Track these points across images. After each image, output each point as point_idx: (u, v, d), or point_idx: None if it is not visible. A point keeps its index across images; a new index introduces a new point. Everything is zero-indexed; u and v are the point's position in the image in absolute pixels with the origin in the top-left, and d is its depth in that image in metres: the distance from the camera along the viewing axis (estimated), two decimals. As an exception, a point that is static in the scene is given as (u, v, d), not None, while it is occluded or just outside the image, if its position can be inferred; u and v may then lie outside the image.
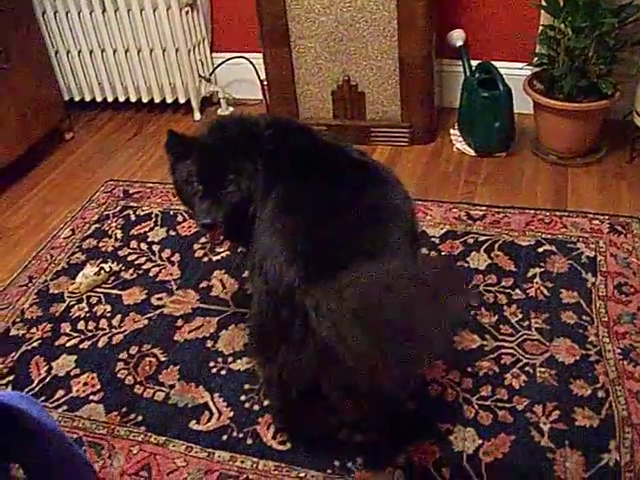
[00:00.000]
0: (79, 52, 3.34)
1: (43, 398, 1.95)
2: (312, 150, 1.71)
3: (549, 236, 2.33)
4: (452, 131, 2.97)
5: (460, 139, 2.90)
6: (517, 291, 2.12)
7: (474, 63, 2.85)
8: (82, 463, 1.08)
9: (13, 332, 2.20)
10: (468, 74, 2.83)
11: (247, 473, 1.69)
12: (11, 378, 2.03)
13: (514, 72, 2.84)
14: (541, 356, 1.90)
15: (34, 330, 2.20)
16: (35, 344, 2.15)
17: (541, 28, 2.67)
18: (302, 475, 1.67)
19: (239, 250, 1.87)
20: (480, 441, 1.70)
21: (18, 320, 2.25)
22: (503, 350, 1.93)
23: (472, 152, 2.84)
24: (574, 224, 2.37)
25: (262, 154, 1.66)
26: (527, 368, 1.87)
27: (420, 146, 2.95)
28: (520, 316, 2.03)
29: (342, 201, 1.54)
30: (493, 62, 2.79)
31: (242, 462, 1.72)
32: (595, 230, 2.33)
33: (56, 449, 1.00)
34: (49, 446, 0.99)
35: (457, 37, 2.95)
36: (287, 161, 1.66)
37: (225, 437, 1.79)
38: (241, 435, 1.78)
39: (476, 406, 1.78)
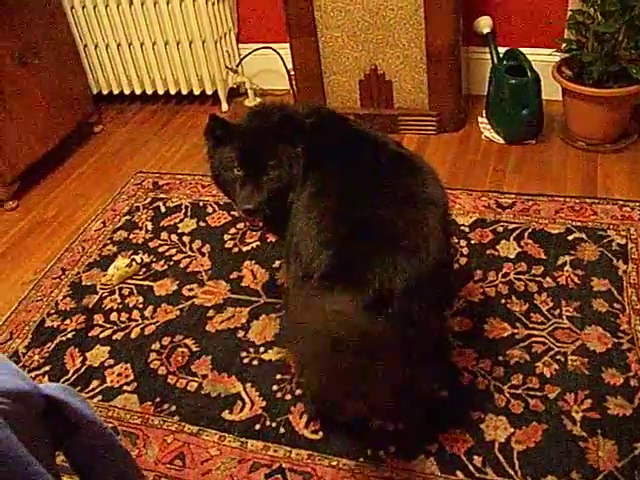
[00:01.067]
0: (107, 46, 3.37)
1: (78, 388, 1.99)
2: (350, 139, 1.73)
3: (579, 223, 2.31)
4: (480, 119, 2.95)
5: (488, 127, 2.89)
6: (547, 279, 2.11)
7: (502, 50, 2.83)
8: (122, 453, 1.11)
9: (48, 323, 2.24)
10: (496, 61, 2.80)
11: (280, 462, 1.71)
12: (47, 368, 2.07)
13: (542, 58, 2.81)
14: (572, 344, 1.89)
15: (68, 321, 2.24)
16: (69, 335, 2.19)
17: (569, 13, 2.64)
18: (334, 464, 1.69)
19: (270, 240, 1.88)
20: (512, 430, 1.70)
21: (52, 312, 2.29)
22: (534, 338, 1.92)
23: (500, 140, 2.82)
24: (604, 211, 2.35)
25: (303, 141, 1.67)
26: (558, 356, 1.86)
27: (448, 134, 2.94)
28: (551, 304, 2.02)
29: (378, 189, 1.56)
30: (521, 49, 2.76)
31: (275, 451, 1.74)
32: (626, 217, 2.31)
33: (97, 439, 1.03)
34: (90, 436, 1.01)
35: (484, 24, 2.93)
36: (326, 149, 1.68)
37: (258, 426, 1.81)
38: (274, 424, 1.80)
39: (507, 394, 1.78)
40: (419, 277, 1.42)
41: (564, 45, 2.65)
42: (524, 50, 2.76)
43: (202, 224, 2.59)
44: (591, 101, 2.57)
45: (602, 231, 2.26)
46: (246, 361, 1.99)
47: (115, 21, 3.27)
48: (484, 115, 2.93)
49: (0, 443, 0.81)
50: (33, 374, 2.06)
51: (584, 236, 2.25)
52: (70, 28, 3.21)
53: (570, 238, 2.25)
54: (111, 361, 2.07)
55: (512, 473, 1.61)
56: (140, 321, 2.20)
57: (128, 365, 2.04)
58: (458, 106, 2.91)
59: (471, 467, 1.63)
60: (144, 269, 2.41)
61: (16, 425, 0.83)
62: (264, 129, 1.70)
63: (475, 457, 1.65)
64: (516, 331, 1.95)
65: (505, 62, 2.77)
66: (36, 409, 0.93)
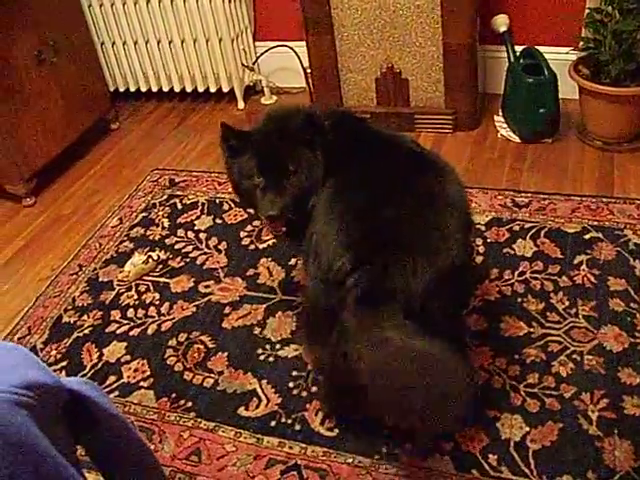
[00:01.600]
0: (124, 43, 3.39)
1: (95, 384, 2.00)
2: (369, 139, 1.73)
3: (595, 223, 2.30)
4: (496, 117, 2.94)
5: (504, 125, 2.88)
6: (564, 278, 2.10)
7: (518, 48, 2.82)
8: (143, 447, 1.12)
9: (65, 319, 2.26)
10: (512, 60, 2.79)
11: (295, 459, 1.72)
12: (64, 364, 2.09)
13: (559, 57, 2.80)
14: (589, 344, 1.88)
15: (85, 317, 2.26)
16: (86, 331, 2.20)
17: (587, 11, 2.62)
18: (350, 461, 1.69)
19: (287, 238, 1.87)
20: (527, 428, 1.70)
21: (70, 307, 2.31)
22: (550, 337, 1.92)
23: (517, 138, 2.81)
24: (621, 210, 2.34)
25: (322, 144, 1.66)
26: (574, 356, 1.86)
27: (464, 133, 2.93)
28: (567, 303, 2.02)
29: (397, 189, 1.55)
30: (538, 47, 2.75)
31: (290, 448, 1.75)
32: (643, 217, 2.30)
33: (118, 433, 1.04)
34: (111, 430, 1.02)
35: (501, 22, 2.91)
36: (345, 150, 1.68)
37: (274, 423, 1.81)
38: (289, 421, 1.81)
39: (523, 393, 1.78)
40: (438, 279, 1.42)
41: (581, 43, 2.64)
42: (541, 48, 2.75)
43: (218, 221, 2.60)
44: (608, 100, 2.56)
45: (619, 230, 2.25)
46: (262, 358, 2.00)
47: (132, 19, 3.28)
48: (500, 114, 2.92)
49: (26, 437, 0.82)
50: (51, 369, 2.06)
51: (600, 235, 2.24)
52: (88, 26, 3.23)
53: (587, 237, 2.24)
54: (128, 357, 2.08)
55: (527, 472, 1.61)
56: (157, 317, 2.21)
57: (145, 361, 2.06)
58: (474, 104, 2.91)
59: (486, 465, 1.63)
60: (160, 266, 2.42)
61: (40, 418, 0.84)
62: (282, 133, 1.67)
63: (490, 455, 1.65)
64: (532, 330, 1.95)
65: (522, 60, 2.76)
66: (59, 403, 0.94)
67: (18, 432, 0.81)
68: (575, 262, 2.15)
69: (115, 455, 1.05)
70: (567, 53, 2.73)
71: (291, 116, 1.72)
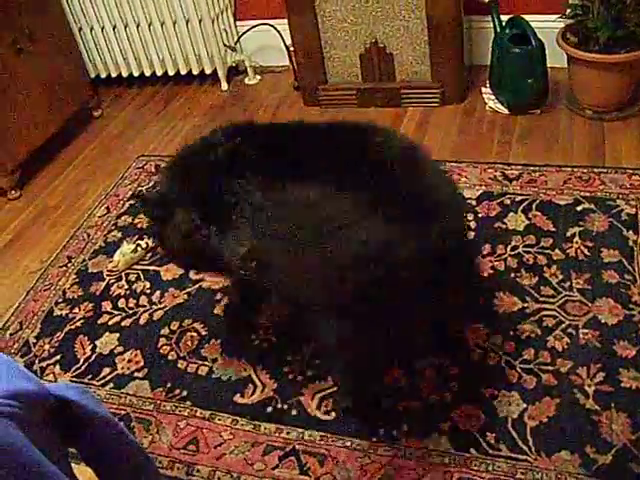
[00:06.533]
0: (102, 28, 3.32)
1: (90, 376, 2.00)
2: (292, 138, 1.70)
3: (587, 194, 2.28)
4: (484, 89, 2.90)
5: (492, 97, 2.85)
6: (557, 251, 2.09)
7: (504, 18, 2.77)
8: (134, 447, 1.11)
9: (56, 312, 2.24)
10: (498, 30, 2.75)
11: (293, 444, 1.71)
12: (58, 357, 2.07)
13: (546, 25, 2.75)
14: (584, 317, 1.87)
15: (76, 310, 2.23)
16: (78, 323, 2.18)
17: (574, -23, 2.58)
18: (348, 444, 1.69)
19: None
20: (524, 405, 1.69)
21: (60, 300, 2.28)
22: (545, 312, 1.91)
23: (505, 110, 2.78)
24: (613, 180, 2.31)
25: (247, 164, 1.59)
26: (570, 330, 1.85)
27: (452, 106, 2.90)
28: (561, 277, 2.00)
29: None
30: (524, 16, 2.70)
31: (288, 433, 1.74)
32: (635, 186, 2.27)
33: (107, 435, 1.03)
34: (100, 432, 1.01)
35: (486, -8, 2.87)
36: (273, 156, 1.63)
37: (270, 409, 1.81)
38: (286, 406, 1.80)
39: (519, 370, 1.77)
40: None
41: (569, 10, 2.59)
42: (527, 17, 2.69)
43: (206, 206, 2.57)
44: (598, 68, 2.53)
45: (611, 201, 2.23)
46: (256, 343, 1.99)
47: (109, 2, 3.21)
48: (488, 85, 2.88)
49: (13, 447, 0.80)
50: (44, 364, 2.06)
51: (593, 206, 2.22)
52: (64, 11, 3.16)
53: (579, 209, 2.22)
54: (121, 348, 2.07)
55: (526, 449, 1.60)
56: (148, 307, 2.19)
57: (138, 351, 2.04)
58: (461, 77, 2.87)
59: (484, 444, 1.63)
60: (149, 254, 2.40)
61: (27, 427, 0.83)
62: (201, 174, 1.58)
63: (488, 434, 1.65)
64: (526, 305, 1.94)
65: (508, 31, 2.71)
66: (45, 409, 0.93)
67: (4, 442, 0.79)
68: (568, 234, 2.13)
69: (107, 457, 1.04)
70: (554, 21, 2.69)
71: (196, 156, 1.63)
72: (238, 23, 3.37)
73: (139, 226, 2.54)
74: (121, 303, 2.22)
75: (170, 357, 2.00)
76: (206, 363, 1.97)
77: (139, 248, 2.38)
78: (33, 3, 2.89)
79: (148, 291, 2.25)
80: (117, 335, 2.11)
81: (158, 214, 1.60)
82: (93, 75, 3.48)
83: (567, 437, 1.61)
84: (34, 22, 2.89)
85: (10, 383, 0.87)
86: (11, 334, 2.19)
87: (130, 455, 1.08)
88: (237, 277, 1.69)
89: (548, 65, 2.68)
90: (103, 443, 1.02)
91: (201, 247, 1.56)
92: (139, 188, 2.74)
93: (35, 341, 2.15)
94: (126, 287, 2.28)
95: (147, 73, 3.42)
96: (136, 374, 1.98)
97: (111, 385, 1.96)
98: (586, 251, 2.07)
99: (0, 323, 2.24)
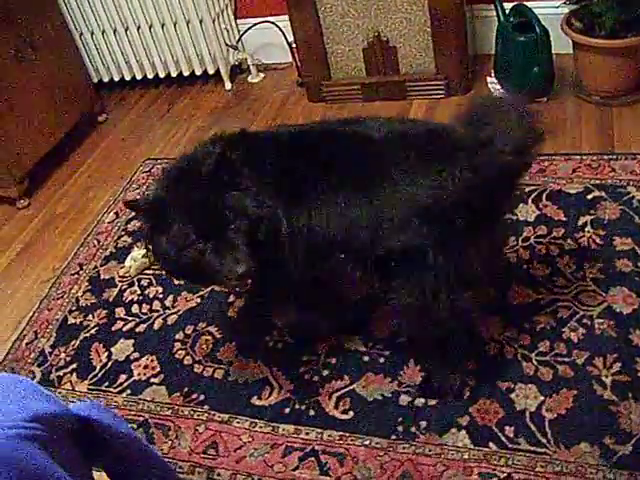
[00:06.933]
0: (103, 32, 3.31)
1: (107, 384, 2.01)
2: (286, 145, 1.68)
3: (598, 182, 2.26)
4: (489, 79, 2.88)
5: (498, 87, 2.82)
6: (569, 241, 2.08)
7: (507, 6, 2.74)
8: (157, 462, 1.11)
9: (71, 320, 2.25)
10: (502, 18, 2.72)
11: (312, 444, 1.72)
12: (74, 366, 2.08)
13: (550, 11, 2.72)
14: (598, 307, 1.87)
15: (90, 317, 2.24)
16: (93, 331, 2.19)
17: (577, -40, 2.56)
18: (367, 443, 1.69)
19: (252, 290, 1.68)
20: (542, 398, 1.69)
21: (74, 308, 2.29)
22: (559, 303, 1.90)
23: (511, 99, 2.76)
24: (623, 167, 2.30)
25: (240, 172, 1.55)
26: (585, 320, 1.84)
27: (457, 97, 2.88)
28: (574, 267, 1.99)
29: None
30: (527, 3, 2.67)
31: (307, 434, 1.75)
32: (645, 171, 2.26)
33: (131, 451, 1.03)
34: (124, 449, 1.02)
35: (487, -20, 2.85)
36: (275, 164, 1.62)
37: (287, 410, 1.81)
38: (303, 407, 1.81)
39: (535, 362, 1.77)
40: None
41: (573, -4, 2.57)
42: (530, 4, 2.67)
43: (215, 208, 2.57)
44: (604, 53, 2.50)
45: (622, 188, 2.21)
46: (271, 345, 1.99)
47: (109, 6, 3.21)
48: (493, 75, 2.86)
49: (38, 469, 0.81)
50: (61, 372, 2.07)
51: (603, 194, 2.20)
52: (64, 17, 3.15)
53: (589, 197, 2.21)
54: (136, 354, 2.07)
55: (544, 442, 1.60)
56: (162, 311, 2.19)
57: (153, 357, 2.05)
58: (466, 67, 2.86)
59: (503, 438, 1.63)
60: (161, 259, 2.40)
61: (51, 449, 0.84)
62: (199, 187, 1.51)
63: (507, 428, 1.65)
64: (540, 297, 1.93)
65: (512, 19, 2.69)
66: (68, 430, 0.93)
67: (31, 466, 0.80)
68: (579, 224, 2.12)
69: (131, 472, 1.05)
70: (558, 7, 2.67)
71: (191, 166, 1.57)
72: (239, 21, 3.36)
73: (149, 230, 2.53)
74: (134, 309, 2.23)
75: (186, 361, 2.01)
76: (222, 366, 1.97)
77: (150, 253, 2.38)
78: (33, 12, 2.89)
79: (161, 296, 2.25)
80: (132, 341, 2.12)
81: (151, 222, 1.55)
82: (96, 80, 3.48)
83: (586, 429, 1.61)
84: (35, 30, 2.89)
85: (32, 406, 0.87)
86: (27, 344, 2.20)
87: (153, 470, 1.09)
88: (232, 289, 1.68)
89: (553, 52, 2.66)
90: (126, 459, 1.02)
91: (193, 262, 1.51)
92: (146, 192, 2.74)
93: (51, 350, 2.16)
94: (139, 292, 2.29)
95: (150, 75, 3.41)
96: (153, 380, 1.98)
97: (128, 392, 1.97)
98: (598, 240, 2.06)
99: (16, 333, 2.25)
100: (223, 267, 1.48)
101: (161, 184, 1.58)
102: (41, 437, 0.83)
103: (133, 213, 2.61)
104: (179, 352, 2.04)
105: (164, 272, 1.76)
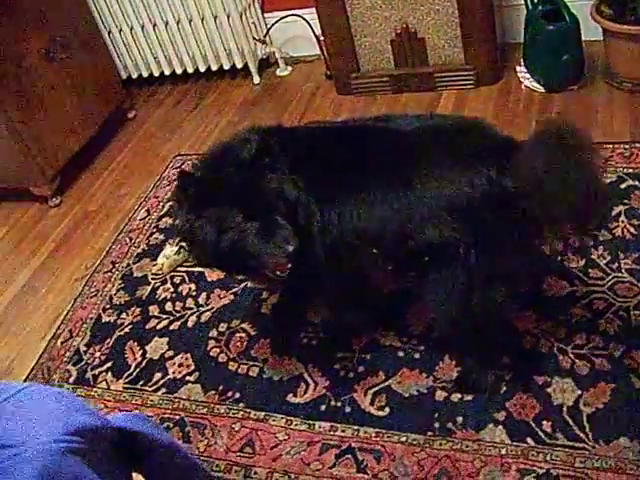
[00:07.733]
0: (131, 29, 3.33)
1: (142, 382, 2.02)
2: (325, 135, 1.71)
3: (631, 170, 2.23)
4: (519, 68, 2.85)
5: (528, 76, 2.79)
6: (603, 232, 2.05)
7: (536, -6, 2.71)
8: (198, 471, 1.13)
9: (105, 319, 2.27)
10: (530, 7, 2.69)
11: (349, 441, 1.72)
12: (109, 365, 2.10)
13: (579, -2, 2.69)
14: (634, 298, 1.84)
15: (124, 315, 2.26)
16: (127, 329, 2.21)
17: (607, -55, 2.51)
18: (403, 439, 1.69)
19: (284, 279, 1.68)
20: (579, 392, 1.67)
21: (108, 307, 2.31)
22: (594, 295, 1.88)
23: (541, 88, 2.73)
24: (657, 155, 2.26)
25: (286, 162, 1.59)
26: (621, 312, 1.82)
27: (487, 87, 2.85)
28: (608, 258, 1.97)
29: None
30: (556, -9, 2.64)
31: (343, 431, 1.75)
32: (680, 159, 2.22)
33: (171, 460, 1.05)
34: (164, 458, 1.03)
35: (515, -33, 2.81)
36: (313, 155, 1.64)
37: (323, 407, 1.81)
38: (339, 404, 1.81)
39: (572, 355, 1.75)
40: None
41: (602, -18, 2.53)
42: (559, -9, 2.64)
43: (246, 204, 2.57)
44: (635, 40, 2.45)
45: (656, 176, 2.18)
46: (305, 341, 2.00)
47: (136, 2, 3.23)
48: (522, 64, 2.83)
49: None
50: (97, 371, 2.09)
51: (637, 183, 2.17)
52: (92, 16, 3.18)
53: (623, 186, 2.18)
54: (171, 352, 2.09)
55: (583, 436, 1.59)
56: (195, 309, 2.21)
57: (188, 355, 2.06)
58: (494, 57, 2.82)
59: (541, 433, 1.62)
60: (193, 255, 2.41)
61: (92, 461, 0.85)
62: (242, 168, 1.54)
63: (544, 422, 1.64)
64: (575, 289, 1.91)
65: (541, 7, 2.65)
66: (109, 442, 0.95)
67: (74, 478, 0.81)
68: (613, 214, 2.09)
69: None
70: (587, -7, 2.63)
71: (233, 152, 1.59)
72: (266, 15, 3.35)
73: (180, 227, 2.55)
74: (168, 306, 2.24)
75: (220, 359, 2.02)
76: (257, 364, 1.98)
77: (182, 250, 2.39)
78: (63, 11, 2.92)
79: (194, 293, 2.26)
80: (166, 339, 2.13)
81: (192, 195, 1.54)
82: (125, 76, 3.50)
83: (625, 423, 1.59)
84: (64, 30, 2.91)
85: (73, 419, 0.89)
86: (62, 342, 2.23)
87: (193, 477, 1.10)
88: (267, 278, 1.68)
89: (583, 39, 2.62)
90: (167, 468, 1.03)
91: (235, 244, 1.53)
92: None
93: (86, 349, 2.18)
94: (172, 290, 2.30)
95: (178, 71, 3.42)
96: (188, 378, 2.00)
97: (164, 390, 1.99)
98: (632, 230, 2.03)
99: (51, 332, 2.28)
100: (270, 247, 1.50)
101: (202, 168, 1.60)
102: (82, 450, 0.84)
103: (166, 208, 2.64)
104: (213, 350, 2.05)
105: (197, 263, 1.77)
